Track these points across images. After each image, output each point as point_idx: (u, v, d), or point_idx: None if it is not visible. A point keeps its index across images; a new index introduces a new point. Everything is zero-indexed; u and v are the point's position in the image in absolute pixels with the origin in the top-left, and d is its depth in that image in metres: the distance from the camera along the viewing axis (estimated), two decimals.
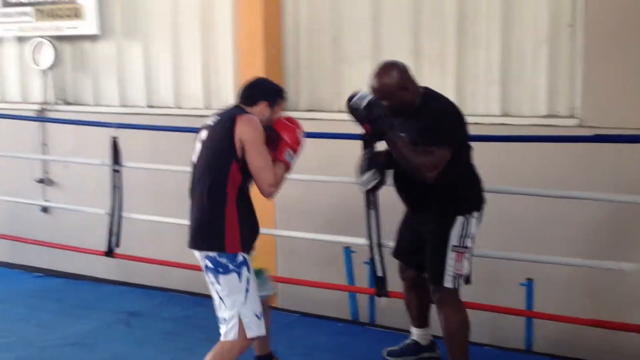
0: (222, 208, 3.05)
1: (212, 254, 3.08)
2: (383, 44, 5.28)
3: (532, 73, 4.77)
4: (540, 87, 4.74)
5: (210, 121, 3.20)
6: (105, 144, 5.11)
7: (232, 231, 3.05)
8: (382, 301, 4.31)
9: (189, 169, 5.31)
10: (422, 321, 3.80)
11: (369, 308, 4.87)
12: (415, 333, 3.83)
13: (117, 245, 5.09)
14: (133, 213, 5.30)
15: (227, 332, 3.13)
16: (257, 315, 3.12)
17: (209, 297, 5.18)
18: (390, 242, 4.28)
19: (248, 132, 3.02)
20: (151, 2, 6.27)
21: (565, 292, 4.64)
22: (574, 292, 4.63)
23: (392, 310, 4.63)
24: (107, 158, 5.11)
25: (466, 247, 3.34)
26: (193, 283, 5.44)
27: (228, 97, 5.94)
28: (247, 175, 3.07)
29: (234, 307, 3.09)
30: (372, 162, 3.44)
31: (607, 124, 4.05)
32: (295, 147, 3.18)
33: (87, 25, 6.49)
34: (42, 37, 6.65)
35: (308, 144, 5.30)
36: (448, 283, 3.34)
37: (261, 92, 3.22)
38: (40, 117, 6.67)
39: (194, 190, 3.17)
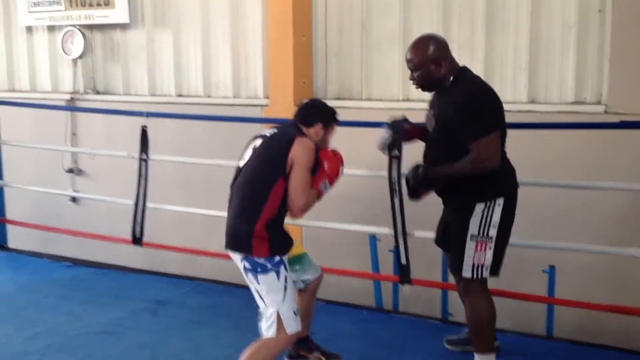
0: (261, 217, 3.14)
1: (249, 256, 3.18)
2: (412, 30, 5.22)
3: (560, 59, 4.69)
4: (567, 73, 4.66)
5: (267, 132, 3.32)
6: (134, 133, 5.16)
7: (268, 239, 3.15)
8: (405, 288, 4.30)
9: (216, 161, 5.41)
10: None
11: (393, 296, 4.87)
12: None
13: (142, 234, 5.14)
14: (161, 202, 5.35)
15: (267, 328, 3.20)
16: (294, 312, 3.20)
17: (235, 286, 5.29)
18: (415, 231, 4.29)
19: (301, 154, 3.14)
20: None
21: (586, 280, 4.58)
22: (596, 279, 4.58)
23: (416, 298, 4.63)
24: (136, 147, 5.16)
25: (489, 237, 3.21)
26: (219, 271, 5.50)
27: (257, 87, 5.95)
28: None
29: (274, 305, 3.17)
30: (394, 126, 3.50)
31: (634, 111, 3.96)
32: (332, 179, 3.29)
33: (118, 13, 6.53)
34: (72, 26, 6.71)
35: (336, 133, 5.32)
36: (467, 273, 3.26)
37: (317, 113, 3.35)
38: (70, 107, 6.74)
39: (235, 194, 3.29)
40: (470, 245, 3.22)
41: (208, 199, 5.80)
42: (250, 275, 3.20)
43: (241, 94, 6.07)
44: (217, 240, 5.76)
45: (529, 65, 4.78)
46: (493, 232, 3.21)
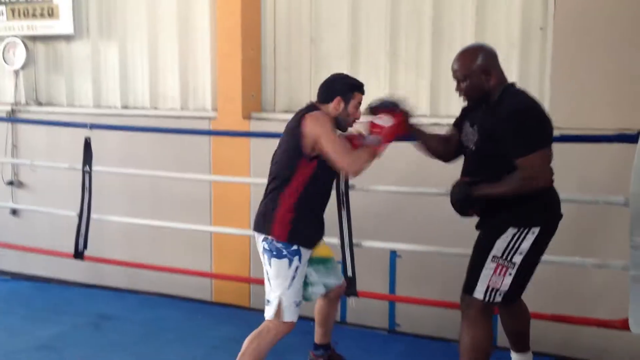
0: (286, 200, 3.22)
1: (269, 237, 3.24)
2: (361, 46, 5.28)
3: None
4: None
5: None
6: (78, 145, 5.07)
7: (289, 223, 3.21)
8: (351, 301, 4.31)
9: (158, 173, 5.33)
10: (520, 345, 3.50)
11: (341, 307, 4.87)
12: (515, 358, 3.55)
13: (85, 247, 5.03)
14: (105, 214, 5.25)
15: (268, 311, 3.27)
16: (295, 303, 3.26)
17: (180, 299, 5.23)
18: (363, 241, 4.31)
19: (314, 126, 3.17)
20: (128, 2, 6.19)
21: (530, 289, 4.65)
22: (538, 289, 4.65)
23: (363, 309, 4.64)
24: (79, 160, 5.06)
25: (512, 262, 3.00)
26: (163, 285, 5.43)
27: (205, 99, 5.91)
28: (317, 173, 3.22)
29: (278, 290, 3.23)
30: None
31: (573, 125, 4.06)
32: (383, 133, 3.22)
33: (62, 24, 6.39)
34: (14, 36, 6.56)
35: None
36: (478, 294, 3.03)
37: (334, 88, 3.34)
38: (11, 118, 6.57)
39: (268, 180, 3.35)
40: (489, 266, 3.02)
41: (154, 212, 5.74)
42: (265, 257, 3.27)
43: (189, 106, 6.02)
44: (163, 253, 5.75)
45: None
46: (518, 259, 3.01)
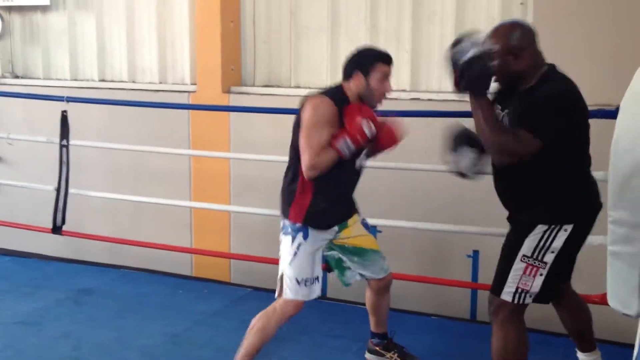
0: (295, 182, 3.15)
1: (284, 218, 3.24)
2: (341, 19, 5.25)
3: None
4: None
5: None
6: (55, 118, 5.00)
7: (299, 204, 3.14)
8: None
9: (139, 147, 5.29)
10: (585, 343, 3.27)
11: (323, 282, 4.89)
12: (581, 359, 3.31)
13: (63, 222, 5.00)
14: (85, 189, 5.22)
15: (277, 291, 3.25)
16: (297, 280, 3.17)
17: (162, 274, 5.22)
18: None
19: (304, 115, 3.07)
20: None
21: None
22: None
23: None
24: (56, 133, 5.01)
25: (543, 262, 2.79)
26: (144, 260, 5.42)
27: (184, 72, 5.86)
28: None
29: (282, 266, 3.22)
30: (461, 138, 3.03)
31: None
32: (352, 135, 2.99)
33: None
34: None
35: (263, 121, 5.25)
36: (506, 296, 2.83)
37: (353, 61, 3.13)
38: None
39: None
40: (518, 266, 2.82)
41: (134, 187, 5.70)
42: (280, 234, 3.25)
43: (168, 80, 5.96)
44: (143, 227, 5.73)
45: None
46: (549, 258, 2.80)
